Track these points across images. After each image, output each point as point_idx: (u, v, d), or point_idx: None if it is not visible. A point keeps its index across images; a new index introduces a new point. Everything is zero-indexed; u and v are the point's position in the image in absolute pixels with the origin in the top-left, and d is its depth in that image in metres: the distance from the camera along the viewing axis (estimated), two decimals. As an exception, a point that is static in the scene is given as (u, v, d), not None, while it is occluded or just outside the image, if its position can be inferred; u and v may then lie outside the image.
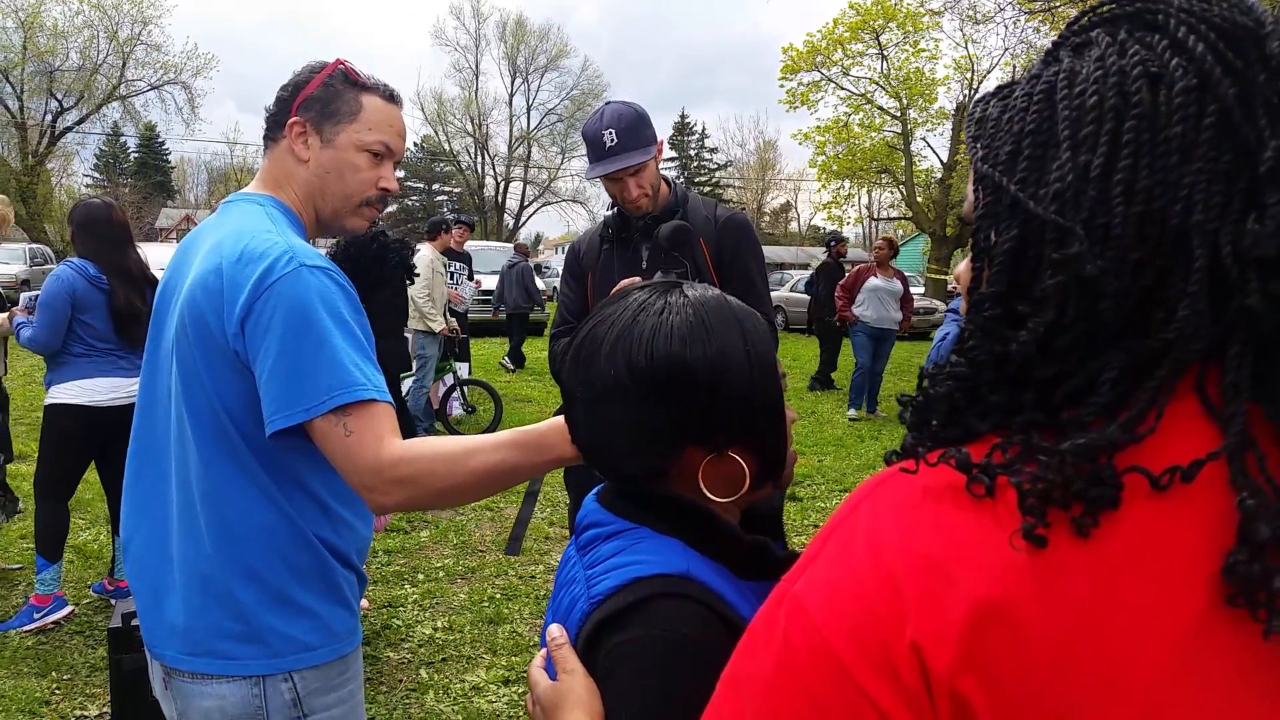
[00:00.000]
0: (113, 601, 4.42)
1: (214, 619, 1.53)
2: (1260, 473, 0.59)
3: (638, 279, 2.24)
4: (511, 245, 20.36)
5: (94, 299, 4.14)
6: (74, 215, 4.28)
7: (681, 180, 54.10)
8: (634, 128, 2.70)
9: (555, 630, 1.00)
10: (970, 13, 19.73)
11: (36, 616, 4.22)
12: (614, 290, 1.34)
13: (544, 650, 1.02)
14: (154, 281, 4.19)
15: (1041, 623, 0.59)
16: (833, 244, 12.59)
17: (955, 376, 0.72)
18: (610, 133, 2.68)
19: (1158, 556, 0.59)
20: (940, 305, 21.17)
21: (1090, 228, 0.65)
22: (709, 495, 1.01)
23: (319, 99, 1.63)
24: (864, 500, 0.69)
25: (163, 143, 54.58)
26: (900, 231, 36.57)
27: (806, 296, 20.75)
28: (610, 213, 2.93)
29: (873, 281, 10.03)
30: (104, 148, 51.94)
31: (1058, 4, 15.01)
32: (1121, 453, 0.61)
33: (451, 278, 9.37)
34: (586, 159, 2.83)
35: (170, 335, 1.58)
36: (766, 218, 64.92)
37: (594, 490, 1.13)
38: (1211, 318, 0.63)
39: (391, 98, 1.70)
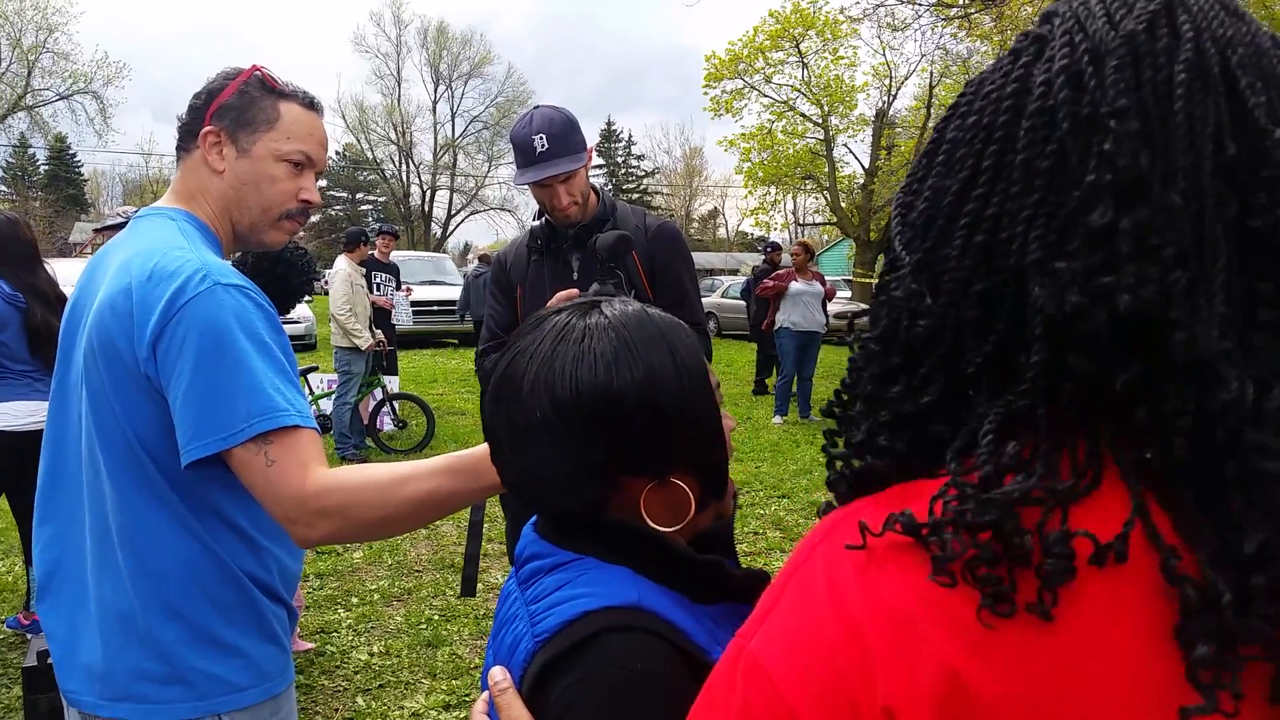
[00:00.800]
0: (28, 637, 4.20)
1: (134, 660, 1.44)
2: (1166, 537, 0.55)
3: (574, 291, 2.19)
4: (438, 254, 20.15)
5: (10, 318, 3.94)
6: None
7: (609, 188, 54.15)
8: (564, 134, 2.64)
9: (498, 674, 0.93)
10: (888, 20, 20.06)
11: None
12: (549, 304, 1.28)
13: (486, 694, 0.96)
14: (65, 300, 4.00)
15: (1006, 690, 0.54)
16: (769, 250, 12.70)
17: (834, 403, 0.71)
18: (541, 138, 2.61)
19: (1116, 621, 0.55)
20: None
21: (933, 257, 0.63)
22: (653, 526, 0.95)
23: (234, 107, 1.55)
24: (820, 544, 0.63)
25: (74, 154, 52.86)
26: (825, 236, 37.02)
27: (739, 302, 20.94)
28: (537, 223, 2.86)
29: (795, 286, 10.14)
30: (11, 160, 50.14)
31: (973, 10, 15.34)
32: (1058, 510, 0.56)
33: (378, 288, 9.18)
34: (515, 165, 2.76)
35: (79, 360, 1.48)
36: (695, 224, 65.32)
37: (532, 519, 1.07)
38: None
39: (311, 105, 1.63)
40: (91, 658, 1.47)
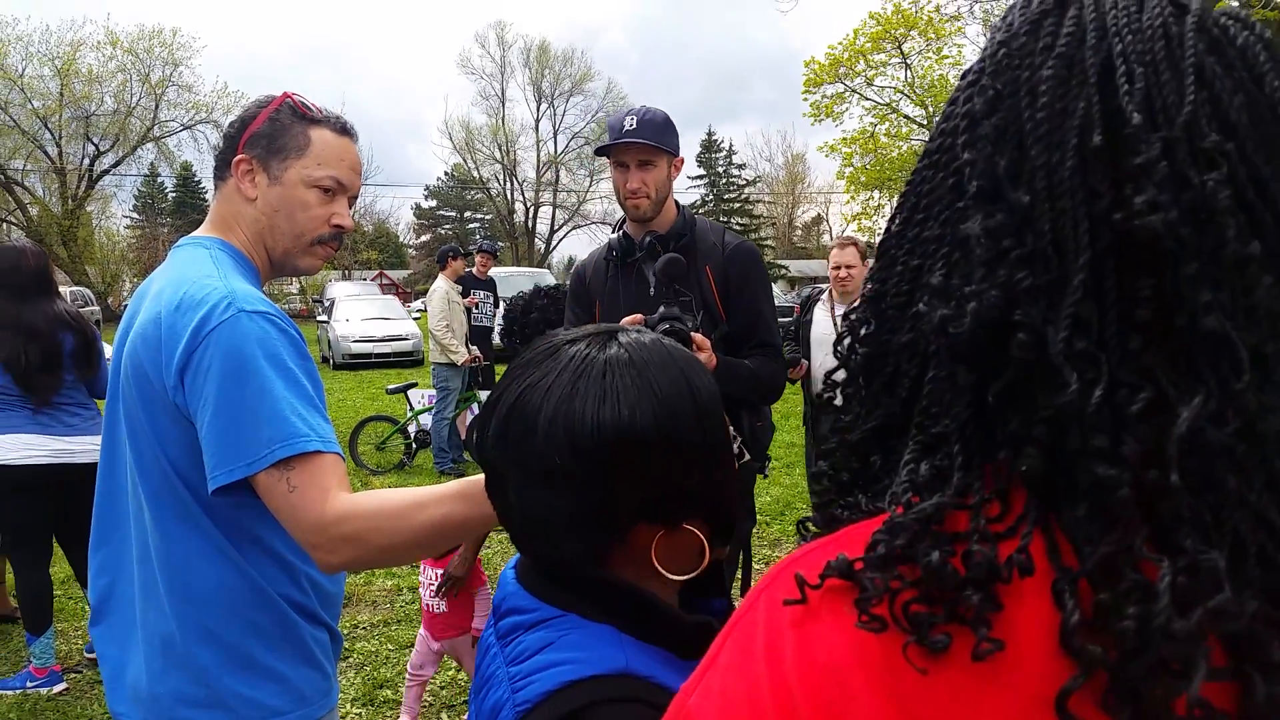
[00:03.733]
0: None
1: (176, 684, 1.46)
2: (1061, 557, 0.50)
3: (640, 316, 2.16)
4: (539, 269, 20.47)
5: None
6: None
7: (710, 198, 54.08)
8: (657, 123, 2.64)
9: None
10: (989, 17, 19.55)
11: (29, 685, 4.08)
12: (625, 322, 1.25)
13: None
14: (75, 325, 3.99)
15: None
16: None
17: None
18: (632, 119, 2.62)
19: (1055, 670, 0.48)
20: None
21: (884, 287, 0.62)
22: (666, 575, 0.89)
23: (265, 135, 1.56)
24: (765, 591, 0.57)
25: (199, 181, 55.48)
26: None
27: (839, 310, 20.59)
28: (615, 235, 2.86)
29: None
30: (142, 189, 52.95)
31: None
32: (975, 527, 0.51)
33: (479, 306, 9.30)
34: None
35: (120, 389, 1.52)
36: (798, 232, 64.72)
37: (510, 565, 1.01)
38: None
39: (344, 130, 1.63)
40: (137, 681, 1.50)
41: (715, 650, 0.59)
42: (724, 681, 0.56)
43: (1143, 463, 0.47)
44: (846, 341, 0.64)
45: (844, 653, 0.51)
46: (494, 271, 10.21)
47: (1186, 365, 0.49)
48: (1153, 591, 0.45)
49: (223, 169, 1.60)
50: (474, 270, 9.39)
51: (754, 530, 6.29)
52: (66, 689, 4.15)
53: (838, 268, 5.22)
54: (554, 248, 55.49)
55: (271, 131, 1.56)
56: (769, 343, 2.70)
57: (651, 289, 2.73)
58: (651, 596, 0.89)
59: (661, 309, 2.18)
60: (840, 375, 0.66)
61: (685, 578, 0.90)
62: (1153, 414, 0.48)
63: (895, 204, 0.65)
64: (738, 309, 2.67)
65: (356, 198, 1.68)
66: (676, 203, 2.82)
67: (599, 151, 2.72)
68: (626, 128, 2.62)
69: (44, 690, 4.06)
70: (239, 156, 1.56)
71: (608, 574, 0.90)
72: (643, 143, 2.59)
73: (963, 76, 0.62)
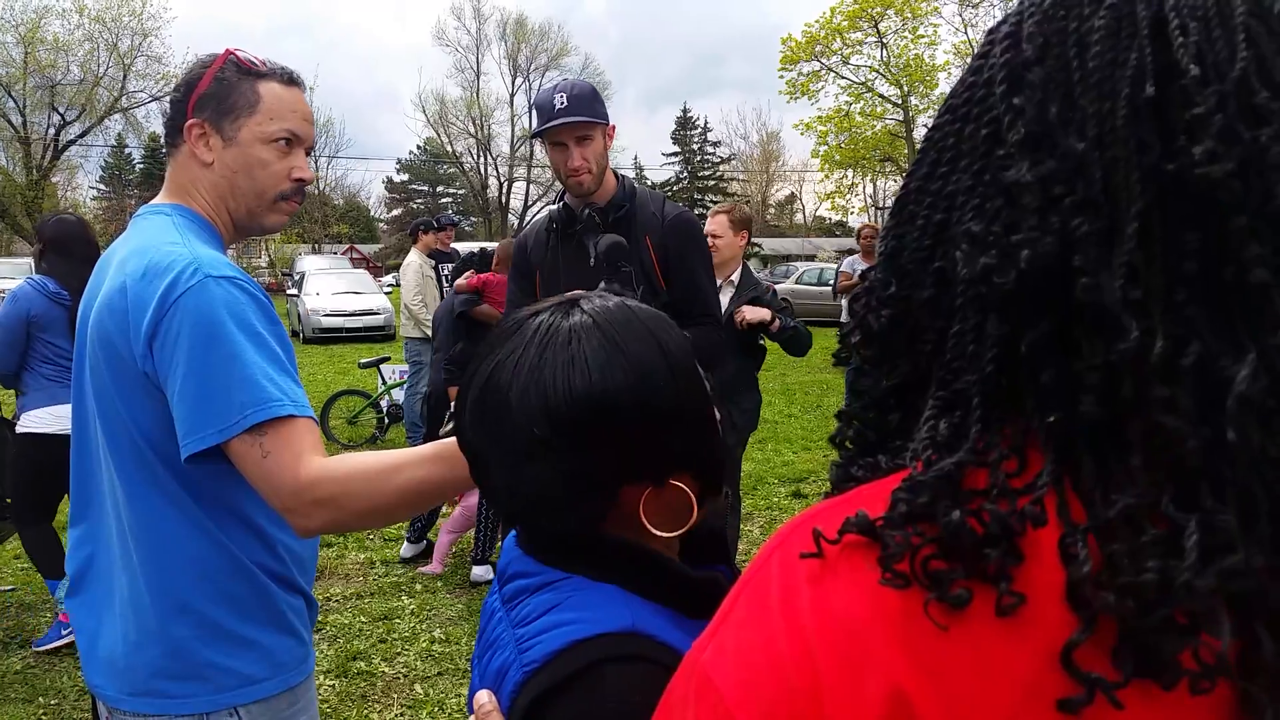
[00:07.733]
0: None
1: (150, 656, 1.46)
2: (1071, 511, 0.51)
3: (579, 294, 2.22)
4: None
5: (55, 315, 3.89)
6: (45, 230, 4.07)
7: (685, 176, 53.96)
8: (586, 98, 2.64)
9: (483, 697, 0.87)
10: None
11: (65, 633, 4.06)
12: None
13: (472, 718, 0.91)
14: None
15: (954, 713, 0.50)
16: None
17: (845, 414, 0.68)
18: (562, 96, 2.63)
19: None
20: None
21: (901, 244, 0.62)
22: (655, 533, 0.89)
23: (213, 95, 1.53)
24: (776, 550, 0.58)
25: (167, 153, 54.48)
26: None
27: (814, 288, 20.69)
28: (556, 206, 2.88)
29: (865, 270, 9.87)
30: (109, 160, 52.07)
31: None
32: (996, 483, 0.53)
33: (448, 280, 9.22)
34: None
35: (87, 359, 1.50)
36: (771, 210, 64.72)
37: (514, 532, 1.01)
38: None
39: (291, 80, 1.60)
40: (113, 653, 1.49)
41: (728, 606, 0.59)
42: (739, 636, 0.56)
43: (1198, 417, 0.48)
44: (863, 301, 0.64)
45: (862, 608, 0.52)
46: (466, 246, 10.14)
47: (1225, 320, 0.49)
48: (1177, 547, 0.46)
49: (174, 135, 1.56)
50: (438, 244, 9.23)
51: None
52: None
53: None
54: (527, 223, 55.05)
55: (219, 91, 1.53)
56: (708, 313, 2.75)
57: (592, 259, 2.74)
58: (655, 551, 0.89)
59: (602, 284, 2.20)
60: (856, 337, 0.66)
61: (675, 534, 0.91)
62: (1200, 368, 0.49)
63: (913, 159, 0.65)
64: (677, 279, 2.71)
65: (313, 148, 1.66)
66: (616, 173, 2.84)
67: (535, 135, 2.72)
68: (558, 106, 2.62)
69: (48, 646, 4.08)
70: (190, 121, 1.53)
71: (608, 534, 0.90)
72: (578, 120, 2.61)
73: (992, 31, 0.62)
